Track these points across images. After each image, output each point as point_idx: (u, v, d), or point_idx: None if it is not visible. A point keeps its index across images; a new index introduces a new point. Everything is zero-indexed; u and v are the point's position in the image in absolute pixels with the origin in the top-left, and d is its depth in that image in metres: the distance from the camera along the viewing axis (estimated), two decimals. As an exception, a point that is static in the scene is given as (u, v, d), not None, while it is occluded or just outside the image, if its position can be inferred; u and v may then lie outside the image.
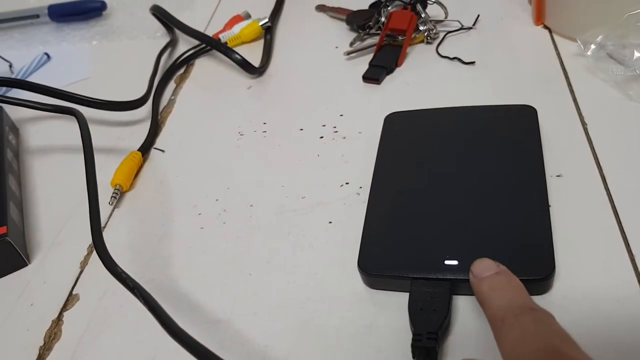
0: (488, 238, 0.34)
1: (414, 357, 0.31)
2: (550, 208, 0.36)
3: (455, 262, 0.34)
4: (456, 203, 0.37)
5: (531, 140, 0.40)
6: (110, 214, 0.46)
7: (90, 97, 0.52)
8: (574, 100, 0.45)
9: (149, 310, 0.32)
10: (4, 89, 0.61)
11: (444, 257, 0.34)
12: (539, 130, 0.40)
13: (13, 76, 0.67)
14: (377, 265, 0.35)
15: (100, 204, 0.45)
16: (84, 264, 0.42)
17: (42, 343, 0.37)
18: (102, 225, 0.45)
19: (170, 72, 0.61)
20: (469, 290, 0.32)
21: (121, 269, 0.36)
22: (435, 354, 0.30)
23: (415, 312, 0.32)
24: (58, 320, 0.39)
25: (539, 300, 0.33)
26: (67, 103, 0.52)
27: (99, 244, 0.38)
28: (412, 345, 0.31)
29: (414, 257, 0.35)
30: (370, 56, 0.56)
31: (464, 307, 0.33)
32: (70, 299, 0.40)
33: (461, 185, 0.38)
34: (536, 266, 0.33)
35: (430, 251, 0.35)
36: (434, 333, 0.31)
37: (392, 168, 0.41)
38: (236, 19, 0.65)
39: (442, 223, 0.36)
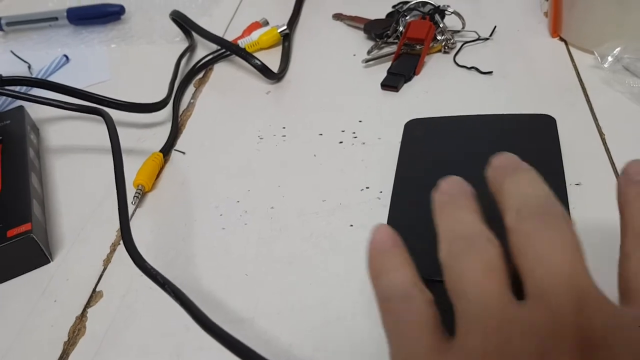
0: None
1: None
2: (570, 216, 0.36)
3: None
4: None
5: (551, 149, 0.40)
6: (133, 213, 0.46)
7: (112, 98, 0.53)
8: (591, 110, 0.46)
9: (180, 305, 0.33)
10: (24, 88, 0.62)
11: None
12: (558, 139, 0.41)
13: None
14: None
15: (122, 203, 0.46)
16: (107, 262, 0.43)
17: (66, 338, 0.38)
18: (125, 224, 0.45)
19: (190, 77, 0.61)
20: None
21: (150, 265, 0.37)
22: None
23: None
24: (82, 317, 0.39)
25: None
26: (89, 104, 0.52)
27: (128, 241, 0.39)
28: None
29: (429, 259, 0.35)
30: (387, 64, 0.56)
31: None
32: (94, 296, 0.40)
33: (480, 192, 0.39)
34: None
35: None
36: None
37: (412, 173, 0.42)
38: (254, 26, 0.66)
39: None
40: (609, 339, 0.20)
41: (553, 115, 0.43)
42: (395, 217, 0.39)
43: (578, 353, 0.20)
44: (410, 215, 0.39)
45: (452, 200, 0.26)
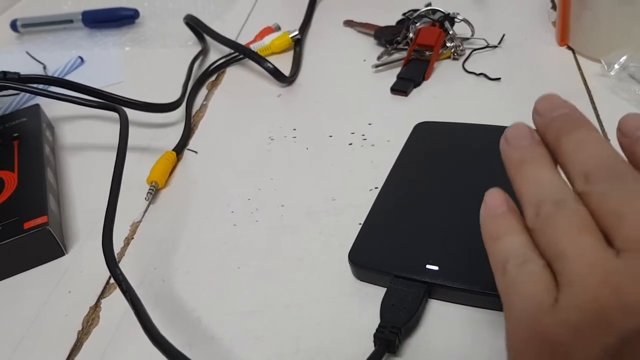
0: (480, 254, 0.33)
1: (374, 346, 0.33)
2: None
3: (436, 268, 0.35)
4: (458, 216, 0.38)
5: None
6: (146, 209, 0.47)
7: (127, 98, 0.54)
8: (597, 117, 0.47)
9: (135, 315, 0.35)
10: (41, 87, 0.63)
11: (427, 261, 0.36)
12: None
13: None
14: (365, 258, 0.38)
15: (136, 200, 0.48)
16: (120, 255, 0.44)
17: (80, 328, 0.39)
18: (138, 219, 0.46)
19: (203, 79, 0.63)
20: (444, 296, 0.35)
21: (120, 270, 0.38)
22: (395, 347, 0.33)
23: (386, 306, 0.34)
24: (95, 307, 0.40)
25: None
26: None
27: (107, 238, 0.40)
28: (374, 335, 0.33)
29: (399, 256, 0.37)
30: (397, 70, 0.57)
31: (436, 312, 0.35)
32: (108, 287, 0.41)
33: (468, 200, 0.39)
34: None
35: (416, 253, 0.37)
36: (397, 328, 0.33)
37: (407, 171, 0.44)
38: (267, 31, 0.68)
39: (437, 231, 0.38)
40: None
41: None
42: (377, 211, 0.41)
43: None
44: (391, 211, 0.40)
45: (528, 158, 0.27)
